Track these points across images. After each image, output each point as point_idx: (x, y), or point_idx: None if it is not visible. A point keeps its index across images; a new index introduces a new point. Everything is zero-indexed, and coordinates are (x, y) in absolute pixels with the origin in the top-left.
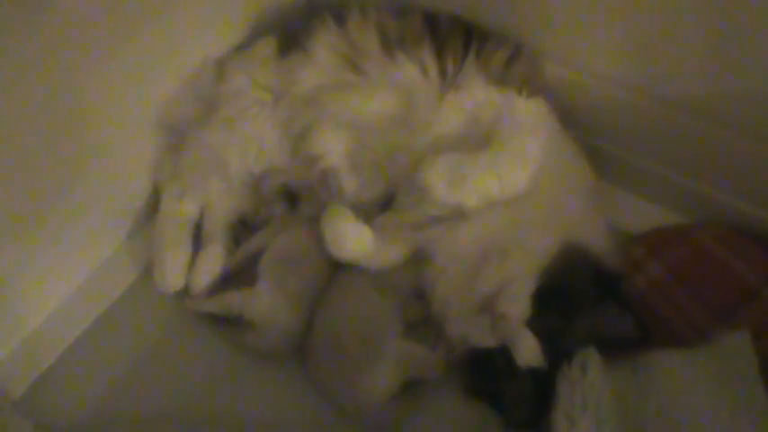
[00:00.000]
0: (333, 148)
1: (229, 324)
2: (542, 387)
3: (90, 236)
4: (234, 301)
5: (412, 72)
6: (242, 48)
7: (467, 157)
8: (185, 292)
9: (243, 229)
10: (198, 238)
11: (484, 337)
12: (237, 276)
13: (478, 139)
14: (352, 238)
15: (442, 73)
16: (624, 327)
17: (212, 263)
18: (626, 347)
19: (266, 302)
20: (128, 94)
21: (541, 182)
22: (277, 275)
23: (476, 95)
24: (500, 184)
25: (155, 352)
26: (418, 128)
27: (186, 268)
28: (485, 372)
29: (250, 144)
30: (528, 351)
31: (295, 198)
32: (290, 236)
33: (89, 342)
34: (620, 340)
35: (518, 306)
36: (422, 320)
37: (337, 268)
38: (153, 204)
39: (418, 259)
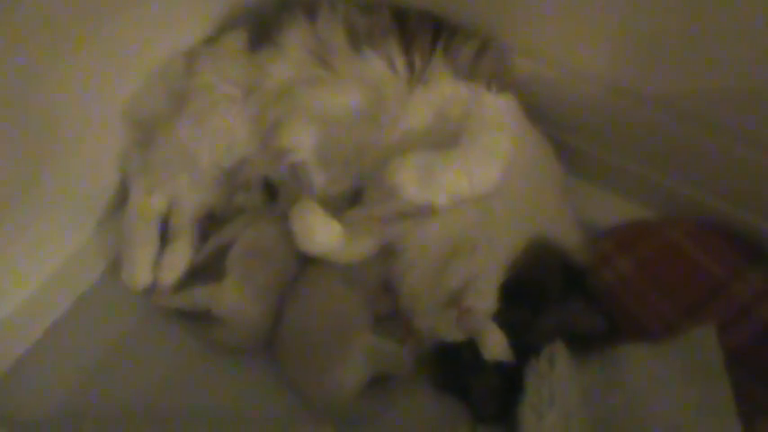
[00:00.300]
0: (302, 142)
1: (198, 319)
2: (510, 381)
3: (58, 229)
4: (201, 296)
5: (379, 67)
6: (211, 40)
7: (436, 155)
8: (153, 288)
9: (210, 223)
10: (164, 233)
11: (451, 331)
12: (205, 271)
13: (446, 136)
14: (321, 232)
15: (410, 68)
16: (592, 322)
17: (180, 258)
18: (593, 342)
19: (234, 297)
20: (95, 88)
21: (510, 177)
22: (245, 270)
23: (443, 90)
24: (470, 182)
25: (123, 345)
26: (386, 123)
27: (153, 264)
28: (453, 366)
29: (220, 139)
30: (494, 345)
31: (274, 192)
32: (257, 230)
33: (56, 336)
34: (588, 335)
35: (485, 300)
36: (390, 314)
37: (306, 262)
38: (121, 198)
39: (387, 253)
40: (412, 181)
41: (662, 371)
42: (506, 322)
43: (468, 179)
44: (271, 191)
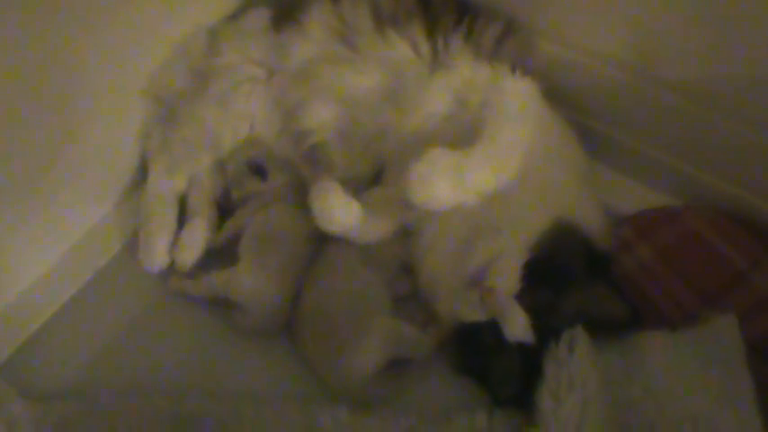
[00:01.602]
0: (324, 122)
1: (215, 304)
2: (530, 364)
3: (77, 204)
4: (216, 282)
5: (403, 49)
6: (234, 18)
7: (458, 156)
8: (170, 270)
9: (227, 203)
10: (181, 216)
11: (472, 312)
12: (221, 256)
13: (467, 122)
14: (341, 211)
15: (433, 50)
16: (614, 307)
17: (199, 236)
18: (615, 328)
19: (248, 282)
20: (117, 62)
21: (533, 162)
22: (256, 254)
23: (463, 74)
24: (497, 178)
25: (140, 323)
26: (408, 107)
27: (171, 246)
28: (473, 347)
29: (243, 121)
30: (517, 325)
31: (263, 172)
32: (266, 213)
33: (74, 310)
34: (610, 320)
35: (507, 280)
36: (410, 295)
37: (323, 242)
38: (141, 175)
39: (406, 234)
40: (443, 193)
41: (682, 359)
42: (528, 304)
43: (495, 175)
44: (260, 172)
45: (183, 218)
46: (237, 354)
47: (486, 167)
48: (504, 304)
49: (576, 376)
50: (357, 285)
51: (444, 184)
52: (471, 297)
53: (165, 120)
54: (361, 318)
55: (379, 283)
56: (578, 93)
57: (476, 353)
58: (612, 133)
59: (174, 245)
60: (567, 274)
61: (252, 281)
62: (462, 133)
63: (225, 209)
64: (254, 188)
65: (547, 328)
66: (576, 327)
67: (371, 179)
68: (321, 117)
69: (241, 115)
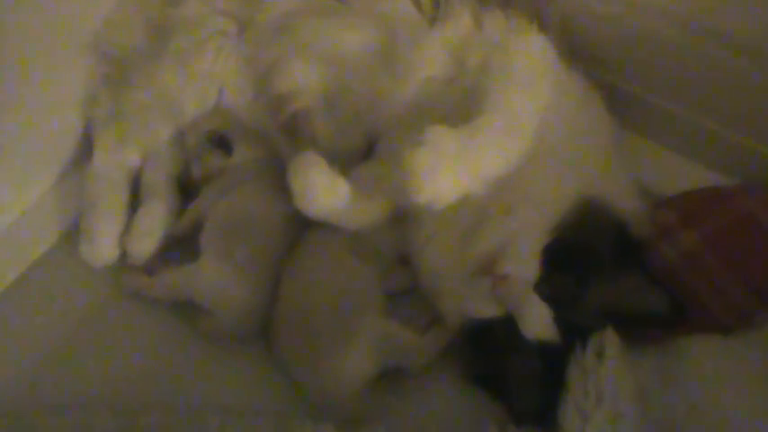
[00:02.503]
0: (306, 85)
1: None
2: (552, 370)
3: (12, 181)
4: (175, 280)
5: (401, 2)
6: None
7: (460, 138)
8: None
9: (191, 183)
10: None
11: (484, 306)
12: (189, 243)
13: (469, 87)
14: (325, 191)
15: (436, 4)
16: (651, 301)
17: (155, 224)
18: (653, 327)
19: (212, 279)
20: (59, 12)
21: (551, 133)
22: (222, 245)
23: (463, 27)
24: (506, 159)
25: (84, 325)
26: (403, 70)
27: (121, 235)
28: (484, 349)
29: (209, 84)
30: (536, 320)
31: (228, 144)
32: (234, 195)
33: (6, 308)
34: (646, 317)
35: (524, 266)
36: (407, 291)
37: (304, 229)
38: (85, 149)
39: (403, 219)
40: (448, 187)
41: (734, 368)
42: (548, 295)
43: (505, 156)
44: (223, 144)
45: (136, 201)
46: (203, 361)
47: (495, 148)
48: (520, 294)
49: (605, 387)
50: (343, 279)
51: (448, 176)
52: (481, 287)
53: (115, 82)
54: (347, 318)
55: (369, 276)
56: (609, 49)
57: (487, 357)
58: (650, 98)
59: (126, 234)
60: (594, 260)
61: (217, 277)
62: (467, 102)
63: (188, 190)
64: (218, 164)
65: (571, 326)
66: (606, 328)
67: (362, 154)
68: (303, 80)
69: (207, 77)
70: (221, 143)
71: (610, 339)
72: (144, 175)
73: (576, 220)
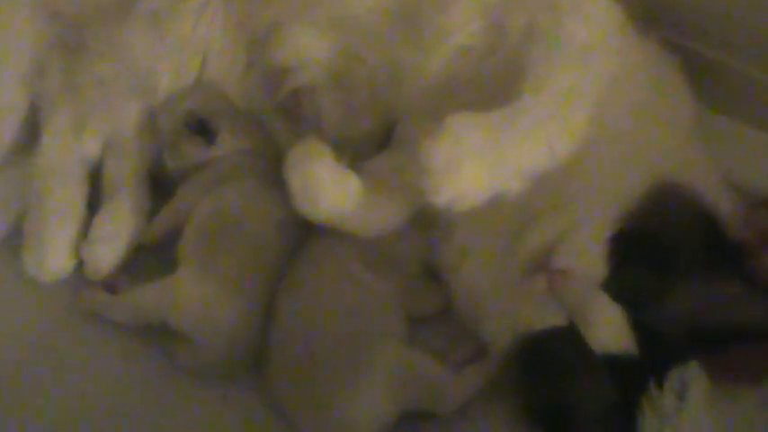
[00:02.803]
0: (311, 57)
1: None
2: (628, 396)
3: None
4: (145, 300)
5: None
6: None
7: (493, 124)
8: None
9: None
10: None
11: (538, 314)
12: (164, 252)
13: (507, 60)
14: (331, 188)
15: None
16: (759, 314)
17: (119, 226)
18: (754, 347)
19: (191, 298)
20: None
21: (615, 113)
22: (204, 255)
23: None
24: (551, 150)
25: (32, 353)
26: (427, 38)
27: (77, 241)
28: (541, 372)
29: (189, 53)
30: (607, 326)
31: (209, 131)
32: (219, 194)
33: None
34: (748, 333)
35: (586, 260)
36: (436, 313)
37: (306, 236)
38: (30, 131)
39: (429, 224)
40: (475, 184)
41: None
42: (621, 294)
43: (549, 146)
44: (203, 131)
45: (96, 200)
46: (180, 402)
47: (537, 137)
48: (584, 293)
49: None
50: (354, 298)
51: (472, 172)
52: (534, 289)
53: (70, 49)
54: (360, 346)
55: (387, 294)
56: (691, 8)
57: (546, 382)
58: (742, 69)
59: (84, 240)
60: (676, 253)
61: (198, 296)
62: (507, 78)
63: (162, 186)
64: (197, 156)
65: (650, 338)
66: (690, 363)
67: (376, 143)
68: (306, 48)
69: (186, 45)
70: (201, 128)
71: (695, 376)
72: (106, 167)
73: (651, 208)
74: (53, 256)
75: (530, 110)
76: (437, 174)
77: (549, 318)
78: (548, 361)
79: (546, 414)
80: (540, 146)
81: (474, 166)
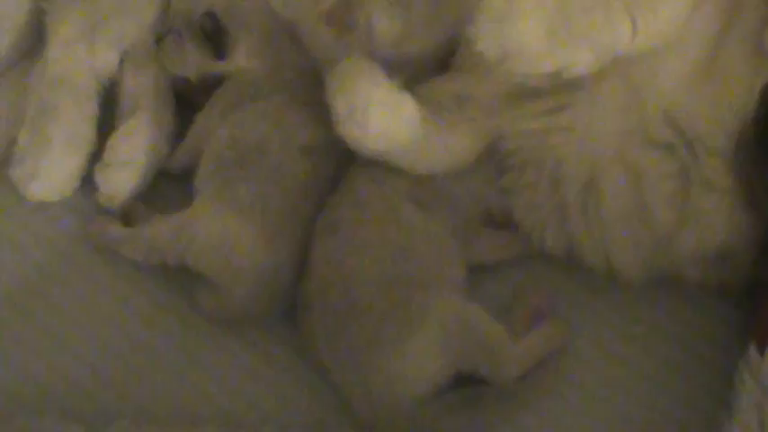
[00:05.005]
0: None
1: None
2: None
3: None
4: (162, 234)
5: None
6: None
7: None
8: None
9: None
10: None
11: None
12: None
13: None
14: (383, 112)
15: None
16: None
17: (137, 148)
18: None
19: (210, 231)
20: None
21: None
22: (220, 187)
23: None
24: (635, 26)
25: (33, 290)
26: None
27: (85, 163)
28: None
29: None
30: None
31: (219, 38)
32: (234, 121)
33: None
34: None
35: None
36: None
37: (347, 167)
38: (35, 36)
39: (500, 161)
40: (533, 43)
41: None
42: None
43: (632, 20)
44: (218, 40)
45: (112, 119)
46: (202, 350)
47: (613, 6)
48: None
49: None
50: (403, 240)
51: (534, 27)
52: None
53: None
54: (408, 294)
55: (441, 237)
56: None
57: None
58: None
59: (98, 163)
60: None
61: (216, 230)
62: None
63: (190, 104)
64: (199, 67)
65: None
66: None
67: (436, 65)
68: None
69: None
70: (215, 36)
71: None
72: (122, 82)
73: None
74: (54, 174)
75: None
76: (487, 20)
77: None
78: None
79: None
80: (619, 17)
81: (533, 19)
